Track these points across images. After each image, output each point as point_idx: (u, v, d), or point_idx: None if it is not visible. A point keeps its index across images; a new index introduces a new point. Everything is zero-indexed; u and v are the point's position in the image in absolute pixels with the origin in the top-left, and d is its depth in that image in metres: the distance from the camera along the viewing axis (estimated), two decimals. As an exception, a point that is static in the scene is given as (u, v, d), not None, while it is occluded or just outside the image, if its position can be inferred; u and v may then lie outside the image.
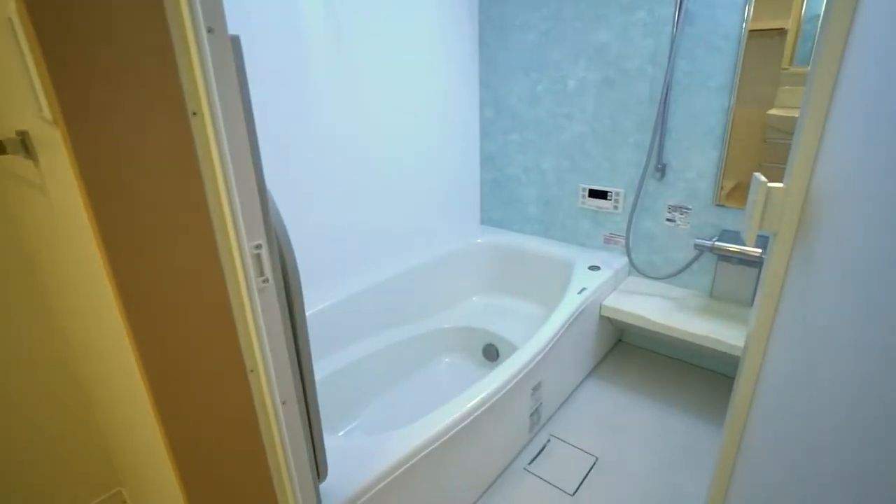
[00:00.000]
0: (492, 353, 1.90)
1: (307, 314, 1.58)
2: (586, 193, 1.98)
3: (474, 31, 2.01)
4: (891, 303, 0.41)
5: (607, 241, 2.00)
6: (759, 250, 1.56)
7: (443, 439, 1.09)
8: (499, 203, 2.29)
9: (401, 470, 1.00)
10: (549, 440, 1.55)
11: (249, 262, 0.59)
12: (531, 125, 2.03)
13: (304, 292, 1.62)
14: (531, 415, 1.48)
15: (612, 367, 1.93)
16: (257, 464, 0.71)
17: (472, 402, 1.16)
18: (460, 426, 1.13)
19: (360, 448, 1.02)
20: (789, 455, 0.65)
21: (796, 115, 1.54)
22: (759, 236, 1.53)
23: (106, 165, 0.48)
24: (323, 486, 0.89)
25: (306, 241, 1.60)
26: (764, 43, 1.47)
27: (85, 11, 0.44)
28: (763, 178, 0.76)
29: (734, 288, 1.71)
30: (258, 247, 0.60)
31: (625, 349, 2.04)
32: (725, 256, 1.68)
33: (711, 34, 1.52)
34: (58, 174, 0.57)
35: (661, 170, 1.74)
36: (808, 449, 0.58)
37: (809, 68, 0.71)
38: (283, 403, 0.68)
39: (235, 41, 0.54)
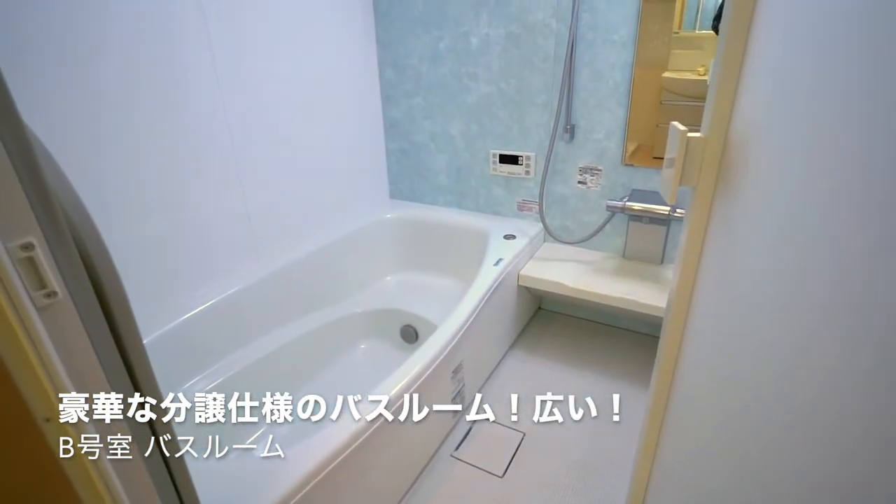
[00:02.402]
0: (410, 335, 1.78)
1: (198, 310, 1.36)
2: (497, 159, 1.89)
3: (365, -20, 1.80)
4: (806, 246, 0.40)
5: (521, 207, 1.94)
6: (668, 209, 1.56)
7: (361, 439, 0.96)
8: (408, 174, 2.13)
9: (311, 484, 0.86)
10: (474, 422, 1.48)
11: (12, 269, 0.40)
12: (435, 87, 1.88)
13: (196, 287, 1.39)
14: (453, 398, 1.39)
15: (534, 336, 1.89)
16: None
17: (393, 392, 1.04)
18: (380, 423, 1.00)
19: (268, 468, 0.86)
20: (716, 416, 0.62)
21: (688, 78, 1.56)
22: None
23: None
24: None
25: (190, 228, 1.36)
26: (655, 6, 1.44)
27: None
28: (682, 127, 0.69)
29: (646, 247, 1.72)
30: (27, 246, 0.41)
31: (545, 317, 2.02)
32: (636, 216, 1.67)
33: (613, -16, 1.46)
34: None
35: (571, 131, 1.69)
36: (735, 409, 0.54)
37: (724, 11, 0.64)
38: (113, 458, 0.51)
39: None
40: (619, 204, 1.62)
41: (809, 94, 0.42)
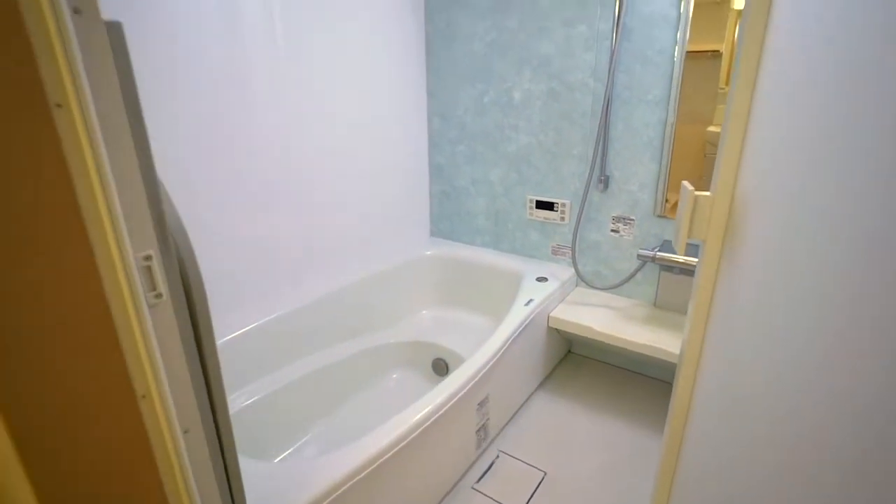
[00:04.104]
0: (441, 368, 1.85)
1: (248, 328, 1.50)
2: (534, 205, 1.98)
3: (421, 39, 2.00)
4: (810, 298, 0.43)
5: (555, 252, 2.01)
6: (696, 260, 1.60)
7: (381, 460, 1.03)
8: (448, 215, 2.26)
9: (336, 494, 0.94)
10: (497, 456, 1.52)
11: (137, 275, 0.52)
12: (479, 136, 2.02)
13: (246, 306, 1.53)
14: (478, 431, 1.44)
15: (562, 379, 1.92)
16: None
17: (415, 419, 1.11)
18: (401, 445, 1.07)
19: (292, 474, 0.95)
20: (727, 454, 0.65)
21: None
22: (693, 246, 1.57)
23: (-56, 162, 0.41)
24: (242, 520, 0.81)
25: (244, 252, 1.52)
26: (701, 64, 1.52)
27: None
28: (690, 187, 0.77)
29: (676, 297, 1.74)
30: (148, 258, 0.53)
31: (574, 360, 2.04)
32: (668, 266, 1.71)
33: (647, 49, 1.57)
34: None
35: (605, 181, 1.77)
36: (744, 447, 0.58)
37: (730, 87, 0.73)
38: (186, 432, 0.61)
39: (115, 27, 0.48)
40: (650, 254, 1.67)
41: (798, 167, 0.48)
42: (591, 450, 1.55)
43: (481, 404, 1.42)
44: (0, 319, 0.46)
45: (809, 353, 0.42)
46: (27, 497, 0.51)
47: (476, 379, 1.32)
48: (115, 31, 0.48)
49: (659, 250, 1.67)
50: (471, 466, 1.47)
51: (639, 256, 1.69)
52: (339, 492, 0.95)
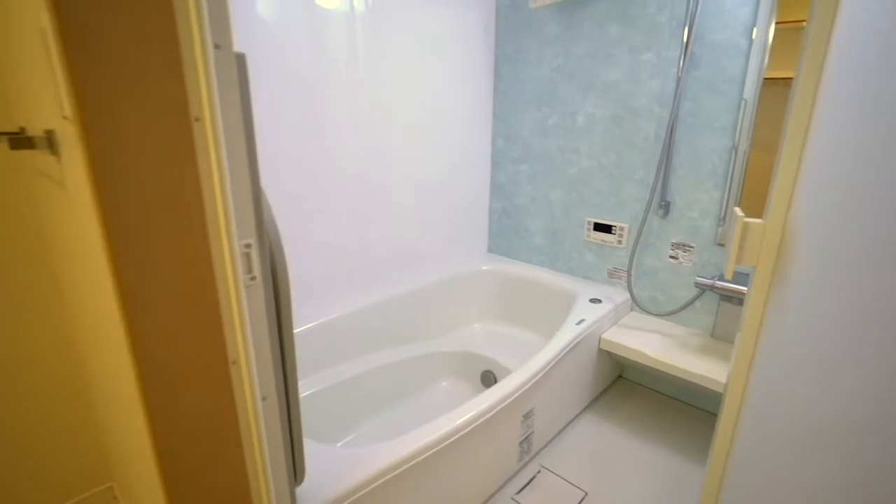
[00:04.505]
0: (489, 380, 1.90)
1: (312, 325, 1.63)
2: (592, 227, 2.00)
3: (490, 64, 2.10)
4: (859, 329, 0.43)
5: (611, 275, 2.01)
6: (760, 291, 1.55)
7: (425, 455, 1.09)
8: (506, 232, 2.32)
9: (381, 481, 1.01)
10: (539, 471, 1.53)
11: (239, 260, 0.63)
12: (541, 157, 2.08)
13: (312, 303, 1.67)
14: (521, 443, 1.47)
15: (611, 402, 1.90)
16: (234, 458, 0.74)
17: (459, 421, 1.17)
18: (444, 444, 1.13)
19: (345, 457, 1.04)
20: (770, 489, 0.64)
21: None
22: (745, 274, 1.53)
23: (113, 161, 0.53)
24: (301, 489, 0.91)
25: (315, 254, 1.66)
26: (779, 91, 1.50)
27: (106, 25, 0.50)
28: (741, 213, 0.79)
29: (736, 329, 1.69)
30: (248, 246, 0.64)
31: (625, 386, 2.02)
32: (727, 296, 1.67)
33: (716, 78, 1.57)
34: (73, 169, 0.62)
35: (665, 207, 1.76)
36: (789, 483, 0.57)
37: (785, 117, 0.75)
38: (264, 399, 0.71)
39: (241, 58, 0.60)
40: (710, 282, 1.64)
41: (855, 192, 0.47)
42: (633, 475, 1.53)
43: (526, 416, 1.45)
44: (142, 289, 0.57)
45: (864, 390, 0.40)
46: (142, 427, 0.62)
47: (521, 390, 1.36)
48: (240, 61, 0.59)
49: (719, 279, 1.64)
50: (512, 477, 1.50)
51: (697, 284, 1.67)
52: (386, 478, 1.02)
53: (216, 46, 0.56)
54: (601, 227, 1.97)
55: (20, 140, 0.79)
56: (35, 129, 0.82)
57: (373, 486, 1.00)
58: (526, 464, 1.55)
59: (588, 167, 1.94)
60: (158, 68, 0.53)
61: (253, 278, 0.65)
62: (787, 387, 0.63)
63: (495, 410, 1.27)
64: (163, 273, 0.59)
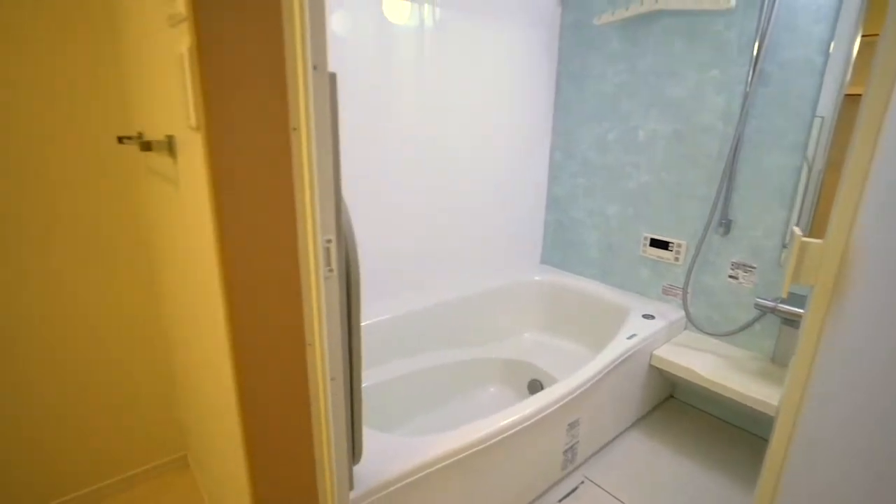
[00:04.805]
0: (536, 389, 1.92)
1: (372, 321, 1.73)
2: (648, 242, 1.99)
3: (551, 79, 2.14)
4: None
5: (666, 292, 1.98)
6: (827, 317, 1.49)
7: (471, 450, 1.15)
8: (561, 244, 2.34)
9: (430, 470, 1.07)
10: (582, 482, 1.54)
11: (320, 253, 0.72)
12: (599, 171, 2.09)
13: (368, 303, 1.77)
14: (566, 451, 1.49)
15: (660, 421, 1.87)
16: (303, 432, 0.82)
17: (505, 422, 1.21)
18: (490, 442, 1.18)
19: (397, 444, 1.11)
20: None
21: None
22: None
23: (227, 164, 0.63)
24: (357, 468, 0.98)
25: (373, 256, 1.76)
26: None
27: (232, 51, 0.60)
28: (798, 232, 0.79)
29: (798, 354, 1.62)
30: (329, 241, 0.73)
31: (675, 406, 1.97)
32: (790, 320, 1.61)
33: (787, 95, 1.53)
34: (191, 170, 0.74)
35: (726, 225, 1.73)
36: None
37: (854, 131, 0.74)
38: (333, 380, 0.80)
39: (333, 77, 0.68)
40: (771, 304, 1.59)
41: None
42: (677, 496, 1.50)
43: (572, 426, 1.46)
44: (241, 273, 0.67)
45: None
46: (231, 396, 0.72)
47: (567, 399, 1.38)
48: (332, 80, 0.68)
49: (781, 302, 1.58)
50: (556, 484, 1.52)
51: (757, 306, 1.62)
52: (432, 469, 1.08)
53: (314, 67, 0.65)
54: (658, 243, 1.95)
55: (141, 143, 0.92)
56: (154, 135, 0.96)
57: (421, 474, 1.06)
58: (570, 473, 1.56)
59: (647, 182, 1.94)
60: (267, 86, 0.63)
61: (331, 270, 0.74)
62: (843, 417, 0.62)
63: (540, 416, 1.30)
64: (258, 261, 0.68)
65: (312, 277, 0.72)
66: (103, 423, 1.42)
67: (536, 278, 2.29)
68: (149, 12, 0.82)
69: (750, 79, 1.58)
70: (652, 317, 1.85)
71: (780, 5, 1.51)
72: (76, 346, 1.32)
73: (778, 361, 1.68)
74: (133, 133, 1.19)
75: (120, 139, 1.10)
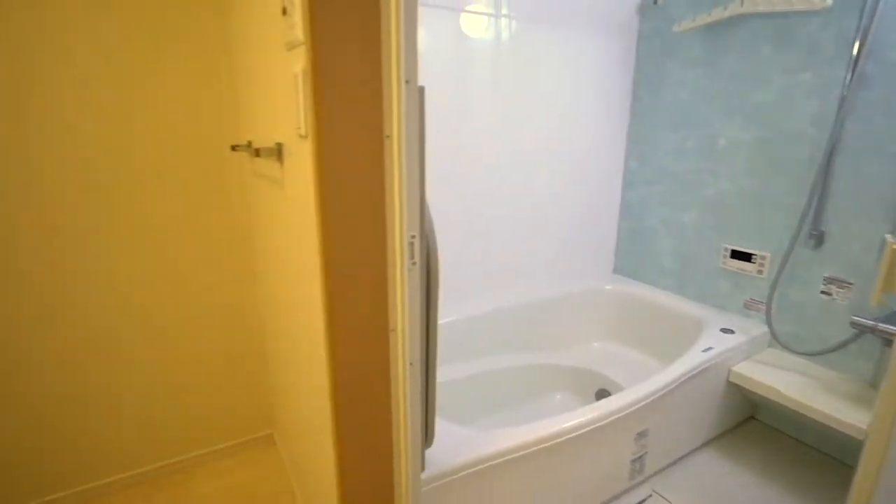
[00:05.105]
0: (604, 398, 1.90)
1: (447, 320, 1.81)
2: (728, 254, 1.91)
3: (627, 87, 2.13)
4: None
5: (747, 306, 1.89)
6: (936, 339, 1.36)
7: (536, 447, 1.18)
8: (634, 253, 2.30)
9: (495, 462, 1.12)
10: (650, 495, 1.51)
11: (406, 248, 0.80)
12: (675, 179, 2.04)
13: (445, 302, 1.85)
14: (633, 461, 1.47)
15: (738, 441, 1.78)
16: (383, 412, 0.91)
17: (569, 423, 1.23)
18: (555, 441, 1.20)
19: (465, 436, 1.16)
20: None
21: None
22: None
23: (331, 167, 0.73)
24: (428, 452, 1.05)
25: (451, 259, 1.84)
26: None
27: (339, 68, 0.69)
28: (892, 239, 0.76)
29: (901, 379, 1.49)
30: (413, 237, 0.81)
31: (756, 428, 1.87)
32: (892, 341, 1.48)
33: (891, 98, 1.43)
34: (297, 173, 0.85)
35: (818, 237, 1.63)
36: None
37: None
38: (411, 364, 0.87)
39: (422, 90, 0.76)
40: (871, 324, 1.47)
41: None
42: (760, 520, 1.42)
43: (640, 435, 1.44)
44: (337, 264, 0.76)
45: None
46: (324, 375, 0.81)
47: (635, 407, 1.37)
48: (421, 93, 0.76)
49: (882, 321, 1.46)
50: (622, 493, 1.50)
51: (854, 325, 1.50)
52: (500, 461, 1.13)
53: (406, 82, 0.73)
54: (739, 255, 1.87)
55: (252, 150, 1.06)
56: (264, 143, 1.09)
57: (487, 464, 1.11)
58: (638, 484, 1.54)
59: (727, 191, 1.86)
60: (366, 99, 0.72)
61: (414, 263, 0.82)
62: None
63: (606, 421, 1.30)
64: (352, 253, 0.77)
65: (398, 269, 0.80)
66: (200, 399, 1.60)
67: (608, 287, 2.26)
68: (267, 40, 0.95)
69: (848, 81, 1.49)
70: (731, 331, 1.78)
71: (884, 3, 1.42)
72: (185, 328, 1.51)
73: (878, 385, 1.55)
74: (243, 142, 1.36)
75: (233, 147, 1.26)
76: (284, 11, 0.78)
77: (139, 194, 1.35)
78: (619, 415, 1.33)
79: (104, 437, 1.47)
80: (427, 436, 1.00)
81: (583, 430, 1.25)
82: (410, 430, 0.92)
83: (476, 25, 1.70)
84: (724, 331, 1.78)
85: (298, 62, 0.73)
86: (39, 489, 1.41)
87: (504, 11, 1.75)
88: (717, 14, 1.76)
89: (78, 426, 1.42)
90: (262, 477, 1.58)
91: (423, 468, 1.01)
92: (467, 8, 1.67)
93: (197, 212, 1.44)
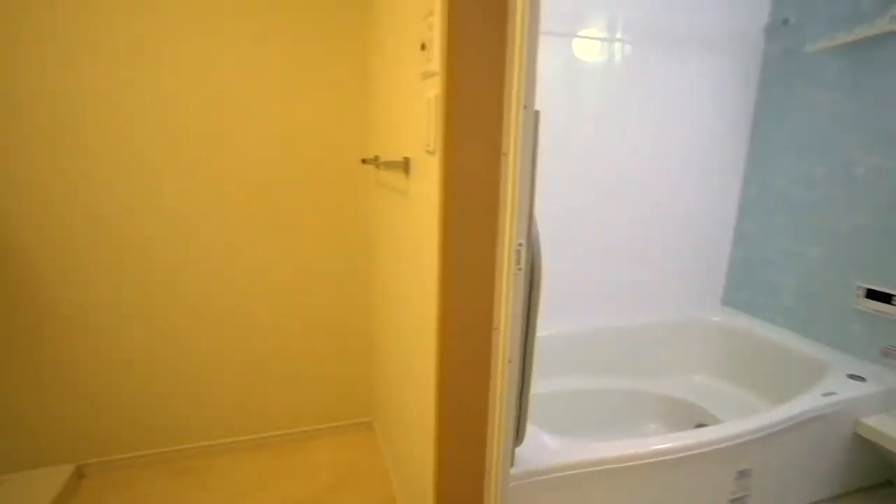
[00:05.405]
0: (704, 434, 1.80)
1: (543, 334, 1.85)
2: (863, 293, 1.73)
3: (746, 110, 2.03)
4: None
5: (886, 353, 1.69)
6: None
7: (622, 464, 1.18)
8: (748, 285, 2.15)
9: (579, 471, 1.15)
10: (751, 542, 1.41)
11: (513, 254, 0.88)
12: (800, 208, 1.90)
13: (545, 317, 1.90)
14: (732, 501, 1.39)
15: None
16: (481, 408, 0.99)
17: (661, 446, 1.22)
18: (642, 461, 1.20)
19: (555, 442, 1.20)
20: None
21: None
22: None
23: (454, 180, 0.84)
24: (518, 450, 1.11)
25: (552, 274, 1.89)
26: None
27: (467, 94, 0.81)
28: None
29: None
30: (520, 245, 0.89)
31: (892, 494, 1.65)
32: None
33: None
34: (423, 184, 0.97)
35: (979, 280, 1.43)
36: None
37: None
38: (510, 362, 0.95)
39: (537, 114, 0.85)
40: None
41: None
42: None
43: (742, 474, 1.37)
44: (454, 266, 0.87)
45: None
46: (431, 368, 0.91)
47: (736, 441, 1.30)
48: (536, 116, 0.85)
49: None
50: (717, 535, 1.42)
51: None
52: (586, 471, 1.15)
53: (524, 107, 0.82)
54: (877, 295, 1.69)
55: (377, 163, 1.22)
56: (391, 157, 1.25)
57: (573, 472, 1.14)
58: (736, 528, 1.44)
59: (864, 225, 1.70)
60: (489, 120, 0.83)
61: (519, 269, 0.90)
62: None
63: (702, 450, 1.26)
64: (466, 256, 0.87)
65: (504, 273, 0.89)
66: (313, 383, 1.80)
67: (715, 319, 2.15)
68: (402, 70, 1.10)
69: None
70: (862, 378, 1.60)
71: None
72: (309, 317, 1.73)
73: None
74: (371, 156, 1.55)
75: (363, 160, 1.45)
76: (423, 47, 0.92)
77: (282, 197, 1.59)
78: (717, 446, 1.28)
79: (235, 402, 1.73)
80: (518, 433, 1.06)
81: (676, 455, 1.23)
82: (504, 425, 0.99)
83: (589, 49, 1.76)
84: (853, 377, 1.61)
85: (432, 89, 0.86)
86: (173, 438, 1.69)
87: (618, 35, 1.79)
88: (861, 32, 1.64)
89: (212, 390, 1.69)
90: (362, 456, 1.74)
91: (512, 463, 1.07)
92: (580, 33, 1.74)
93: (328, 215, 1.65)
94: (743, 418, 1.38)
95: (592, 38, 1.76)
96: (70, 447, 1.59)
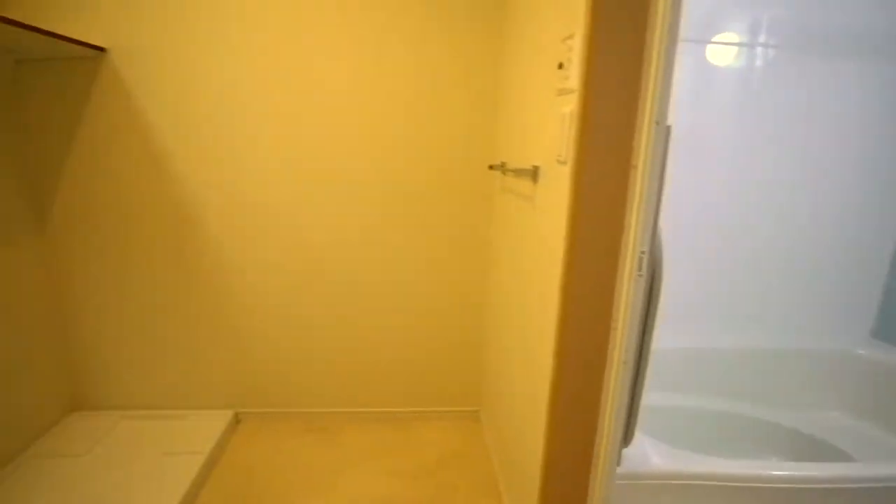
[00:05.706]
0: (837, 475, 1.64)
1: (671, 346, 1.83)
2: None
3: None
4: None
5: None
6: None
7: (733, 484, 1.16)
8: (905, 317, 1.91)
9: (687, 482, 1.15)
10: None
11: (635, 260, 0.94)
12: (983, 235, 1.64)
13: (666, 327, 1.88)
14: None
15: None
16: (593, 404, 1.05)
17: (779, 473, 1.17)
18: (756, 484, 1.16)
19: (664, 450, 1.22)
20: None
21: None
22: None
23: (584, 190, 0.92)
24: (626, 451, 1.15)
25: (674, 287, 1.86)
26: None
27: (601, 108, 0.88)
28: None
29: None
30: (643, 253, 0.94)
31: None
32: None
33: None
34: (551, 192, 1.06)
35: None
36: None
37: None
38: (625, 362, 1.00)
39: (668, 129, 0.90)
40: None
41: None
42: None
43: (880, 521, 1.25)
44: (576, 269, 0.94)
45: None
46: (548, 362, 1.00)
47: (871, 484, 1.19)
48: (668, 131, 0.90)
49: None
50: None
51: None
52: (692, 482, 1.15)
53: (657, 122, 0.87)
54: None
55: (503, 169, 1.32)
56: (519, 165, 1.36)
57: (680, 481, 1.15)
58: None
59: None
60: (620, 134, 0.89)
61: (640, 274, 0.95)
62: None
63: (827, 486, 1.18)
64: (590, 258, 0.95)
65: (626, 277, 0.95)
66: (427, 370, 1.97)
67: (862, 352, 1.93)
68: (537, 86, 1.20)
69: None
70: None
71: None
72: (426, 313, 1.90)
73: None
74: (498, 162, 1.67)
75: (490, 167, 1.57)
76: (561, 66, 1.01)
77: (414, 197, 1.78)
78: (847, 485, 1.18)
79: (361, 378, 1.96)
80: (627, 434, 1.10)
81: (794, 485, 1.17)
82: (614, 423, 1.04)
83: (724, 55, 1.70)
84: None
85: (567, 105, 0.95)
86: (310, 402, 1.96)
87: (762, 40, 1.71)
88: None
89: (343, 364, 1.93)
90: (467, 442, 1.87)
91: (618, 463, 1.12)
92: (714, 39, 1.70)
93: (452, 215, 1.81)
94: (887, 461, 1.26)
95: (729, 44, 1.70)
96: (233, 397, 1.93)
